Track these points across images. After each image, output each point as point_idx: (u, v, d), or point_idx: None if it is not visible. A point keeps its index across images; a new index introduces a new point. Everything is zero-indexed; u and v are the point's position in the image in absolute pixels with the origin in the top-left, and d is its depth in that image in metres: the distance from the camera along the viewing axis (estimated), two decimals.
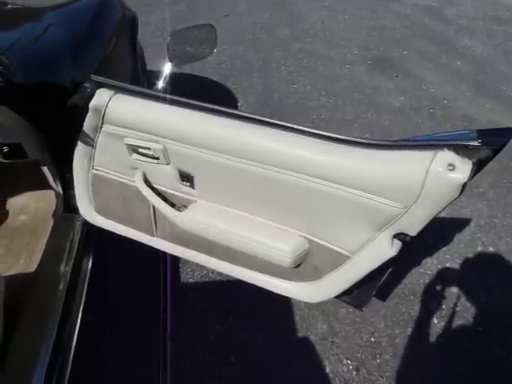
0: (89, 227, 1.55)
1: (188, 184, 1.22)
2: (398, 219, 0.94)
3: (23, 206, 1.81)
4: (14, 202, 1.82)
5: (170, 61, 1.26)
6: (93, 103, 1.16)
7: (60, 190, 1.56)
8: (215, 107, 1.08)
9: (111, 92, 1.16)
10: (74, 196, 1.56)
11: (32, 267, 1.53)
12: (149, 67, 2.59)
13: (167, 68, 1.30)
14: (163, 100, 1.13)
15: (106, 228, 1.48)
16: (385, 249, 1.00)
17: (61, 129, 1.39)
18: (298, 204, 1.08)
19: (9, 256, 1.61)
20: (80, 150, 1.33)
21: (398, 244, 1.01)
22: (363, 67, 3.84)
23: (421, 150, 0.86)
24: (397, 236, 1.00)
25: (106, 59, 1.75)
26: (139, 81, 2.18)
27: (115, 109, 1.15)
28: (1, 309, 1.21)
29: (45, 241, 1.64)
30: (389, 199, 0.92)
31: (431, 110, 3.24)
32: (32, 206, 1.81)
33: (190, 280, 1.91)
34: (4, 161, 1.45)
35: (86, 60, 1.62)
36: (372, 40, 4.36)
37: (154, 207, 1.33)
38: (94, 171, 1.38)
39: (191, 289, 1.87)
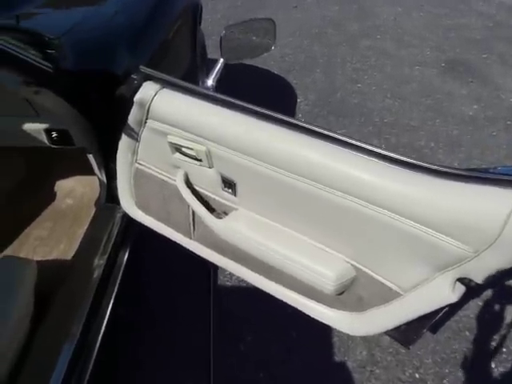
0: (128, 220, 1.52)
1: (230, 191, 1.13)
2: (465, 263, 0.80)
3: (70, 190, 1.81)
4: (62, 185, 1.83)
5: (222, 56, 1.17)
6: (138, 96, 1.10)
7: (104, 178, 1.53)
8: (266, 112, 0.98)
9: (157, 86, 1.09)
10: (116, 186, 1.53)
11: (70, 254, 1.52)
12: (211, 56, 2.53)
13: (220, 63, 1.21)
14: (211, 99, 1.04)
15: (144, 223, 1.43)
16: (445, 293, 0.86)
17: (108, 118, 1.35)
18: (348, 227, 0.96)
19: (51, 239, 1.61)
20: (124, 142, 1.29)
21: (460, 289, 0.86)
22: (435, 70, 3.57)
23: (504, 187, 0.71)
24: (460, 280, 0.85)
25: (164, 48, 1.70)
26: (196, 71, 2.12)
27: (160, 104, 1.08)
28: (31, 297, 1.19)
29: (86, 227, 1.64)
30: (456, 239, 0.77)
31: (508, 122, 2.94)
32: (78, 191, 1.81)
33: (228, 283, 1.84)
34: (52, 146, 1.44)
35: (144, 49, 1.57)
36: (448, 41, 4.05)
37: (193, 210, 1.26)
38: (137, 165, 1.33)
39: (228, 292, 1.80)
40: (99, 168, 1.50)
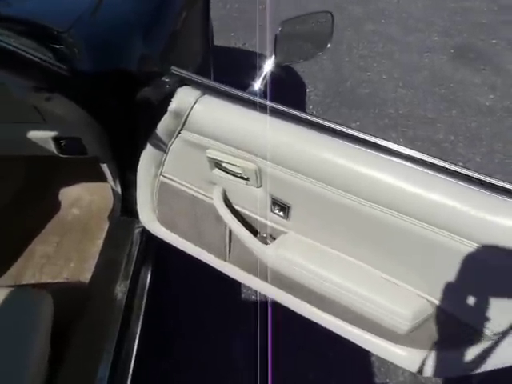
0: (148, 236, 1.36)
1: (281, 214, 0.98)
2: None
3: (76, 199, 1.63)
4: (67, 194, 1.64)
5: (276, 57, 1.00)
6: (174, 106, 0.93)
7: (119, 189, 1.36)
8: (330, 124, 0.83)
9: (197, 93, 0.92)
10: (134, 198, 1.36)
11: (83, 275, 1.36)
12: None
13: (268, 65, 1.04)
14: (262, 108, 0.88)
15: (168, 241, 1.27)
16: None
17: (127, 125, 1.18)
18: (424, 258, 0.83)
19: (59, 257, 1.44)
20: (148, 152, 1.12)
21: None
22: (445, 56, 3.42)
23: None
24: None
25: (176, 36, 1.52)
26: (210, 61, 1.94)
27: (201, 115, 0.92)
28: (48, 335, 1.03)
29: (98, 242, 1.47)
30: None
31: None
32: (85, 199, 1.63)
33: (254, 300, 1.70)
34: (61, 155, 1.26)
35: (156, 39, 1.39)
36: (454, 25, 3.90)
37: (230, 230, 1.11)
38: (162, 178, 1.17)
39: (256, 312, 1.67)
40: (113, 178, 1.33)
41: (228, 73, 2.76)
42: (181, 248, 1.27)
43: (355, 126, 2.61)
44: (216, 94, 0.93)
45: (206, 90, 0.93)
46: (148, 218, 1.27)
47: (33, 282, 1.36)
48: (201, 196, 1.11)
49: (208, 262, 1.23)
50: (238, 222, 1.04)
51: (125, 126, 1.18)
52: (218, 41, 3.08)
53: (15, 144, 1.26)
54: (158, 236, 1.28)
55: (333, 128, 0.83)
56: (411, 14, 4.06)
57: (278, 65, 1.03)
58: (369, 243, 0.90)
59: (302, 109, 2.69)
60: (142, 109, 1.06)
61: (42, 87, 0.91)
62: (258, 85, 1.01)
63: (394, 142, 0.78)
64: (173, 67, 0.97)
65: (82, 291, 1.26)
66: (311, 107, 2.74)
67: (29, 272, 1.39)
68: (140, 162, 1.16)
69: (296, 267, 0.97)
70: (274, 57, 1.01)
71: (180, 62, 1.56)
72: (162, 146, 1.07)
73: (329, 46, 1.03)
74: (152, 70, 1.21)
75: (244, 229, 1.03)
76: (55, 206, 1.60)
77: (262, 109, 0.88)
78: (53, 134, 1.19)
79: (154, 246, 1.39)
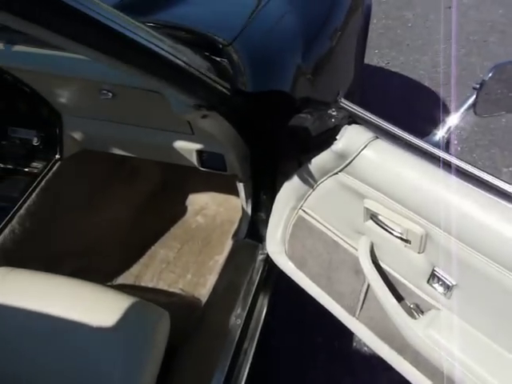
0: (271, 265, 1.28)
1: (441, 290, 0.81)
2: None
3: (202, 207, 1.62)
4: (195, 201, 1.64)
5: (477, 108, 0.84)
6: (340, 146, 0.82)
7: (249, 210, 1.31)
8: None
9: (369, 135, 0.80)
10: (262, 222, 1.30)
11: (198, 290, 1.33)
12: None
13: (455, 118, 0.87)
14: (445, 164, 0.73)
15: (292, 277, 1.17)
16: None
17: (274, 149, 1.11)
18: None
19: (178, 265, 1.43)
20: (293, 183, 1.04)
21: None
22: None
23: None
24: None
25: (331, 55, 1.41)
26: (362, 84, 1.82)
27: (369, 162, 0.80)
28: (161, 356, 0.99)
29: (217, 257, 1.43)
30: None
31: None
32: (211, 209, 1.61)
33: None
34: (201, 168, 1.24)
35: (313, 59, 1.30)
36: None
37: (368, 287, 0.97)
38: (301, 213, 1.07)
39: None
40: (246, 198, 1.28)
41: (373, 99, 2.59)
42: (305, 288, 1.16)
43: None
44: (389, 138, 0.80)
45: (379, 132, 0.80)
46: (275, 248, 1.19)
47: (150, 285, 1.37)
48: (343, 243, 1.00)
49: (332, 312, 1.10)
50: (383, 283, 0.90)
51: (272, 150, 1.11)
52: None
53: (160, 150, 1.26)
54: (283, 270, 1.19)
55: None
56: None
57: (478, 116, 0.86)
58: None
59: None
60: (297, 137, 0.98)
61: (203, 105, 0.87)
62: (439, 135, 0.85)
63: None
64: (342, 99, 0.87)
65: (196, 309, 1.23)
66: (456, 142, 2.46)
67: (148, 274, 1.40)
68: (281, 191, 1.08)
69: (443, 352, 0.80)
70: (466, 106, 0.84)
71: (334, 84, 1.46)
72: (310, 182, 0.98)
73: None
74: (313, 97, 1.12)
75: (389, 293, 0.89)
76: (182, 212, 1.60)
77: (446, 166, 0.73)
78: (198, 146, 1.16)
79: (274, 277, 1.30)
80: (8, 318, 0.94)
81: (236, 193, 1.60)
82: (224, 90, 0.88)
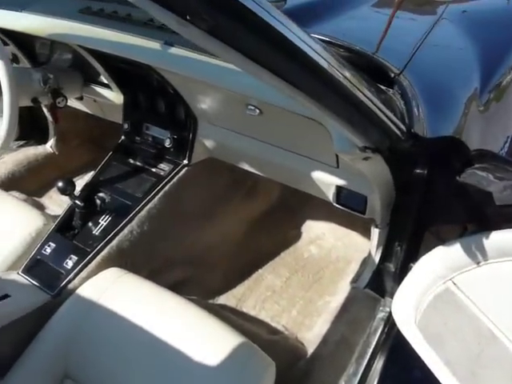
0: (392, 324, 1.11)
1: None
2: None
3: (318, 236, 1.49)
4: (311, 228, 1.51)
5: None
6: None
7: (376, 259, 1.15)
8: None
9: None
10: (389, 274, 1.13)
11: (302, 333, 1.20)
12: None
13: None
14: None
15: (420, 354, 0.99)
16: None
17: (430, 201, 0.94)
18: None
19: (284, 297, 1.32)
20: (449, 249, 0.86)
21: None
22: None
23: None
24: None
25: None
26: None
27: None
28: None
29: (328, 299, 1.29)
30: None
31: None
32: (328, 241, 1.47)
33: None
34: (335, 204, 1.11)
35: (490, 98, 1.09)
36: None
37: None
38: (451, 285, 0.89)
39: None
40: (377, 246, 1.12)
41: None
42: (432, 369, 0.97)
43: None
44: None
45: None
46: (405, 315, 1.01)
47: (252, 313, 1.27)
48: (504, 338, 0.80)
49: None
50: None
51: (426, 203, 0.94)
52: None
53: (294, 176, 1.16)
54: (409, 341, 1.01)
55: None
56: None
57: None
58: None
59: None
60: (470, 199, 0.80)
61: (370, 147, 0.73)
62: None
63: None
64: None
65: (301, 357, 1.10)
66: None
67: (251, 299, 1.31)
68: (432, 253, 0.91)
69: None
70: None
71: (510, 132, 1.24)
72: (478, 257, 0.79)
73: None
74: (488, 148, 0.94)
75: None
76: (295, 237, 1.49)
77: None
78: (340, 182, 1.03)
79: (391, 340, 1.13)
80: (112, 319, 0.90)
81: (358, 230, 1.45)
82: (398, 132, 0.73)
